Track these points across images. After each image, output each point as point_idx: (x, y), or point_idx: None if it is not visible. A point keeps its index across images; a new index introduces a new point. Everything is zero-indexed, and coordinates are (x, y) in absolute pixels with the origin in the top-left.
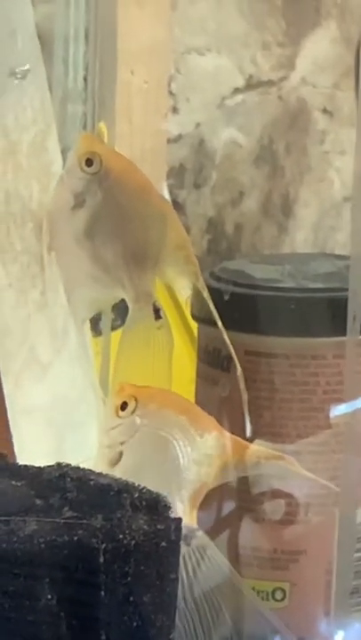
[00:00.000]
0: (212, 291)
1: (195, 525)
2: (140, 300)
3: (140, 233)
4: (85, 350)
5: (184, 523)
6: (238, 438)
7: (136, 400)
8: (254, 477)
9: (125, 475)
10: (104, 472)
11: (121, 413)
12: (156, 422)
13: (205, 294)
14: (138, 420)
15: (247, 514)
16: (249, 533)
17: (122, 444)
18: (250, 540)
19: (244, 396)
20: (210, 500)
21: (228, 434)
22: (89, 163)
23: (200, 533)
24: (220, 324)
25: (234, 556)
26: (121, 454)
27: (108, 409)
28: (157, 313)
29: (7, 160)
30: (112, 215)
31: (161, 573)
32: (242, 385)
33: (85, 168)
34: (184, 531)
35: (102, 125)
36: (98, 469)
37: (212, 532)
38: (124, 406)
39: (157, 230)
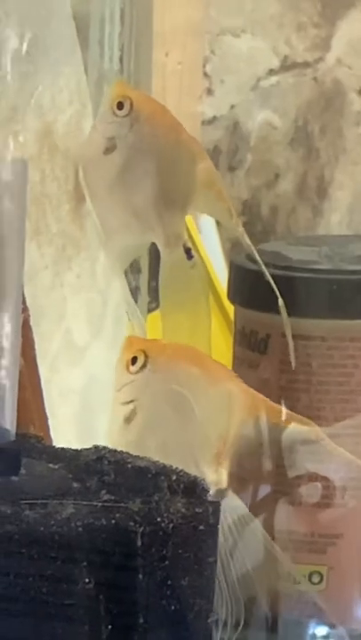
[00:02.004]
0: (248, 273)
1: (224, 485)
2: (170, 243)
3: (169, 174)
4: (129, 300)
5: (211, 480)
6: (259, 395)
7: (146, 354)
8: (290, 460)
9: (141, 432)
10: (119, 430)
11: (131, 369)
12: (168, 376)
13: (240, 230)
14: (149, 375)
15: (283, 497)
16: (285, 517)
17: (135, 400)
18: (286, 523)
19: (288, 329)
20: (246, 483)
21: (250, 389)
22: (120, 106)
23: (230, 493)
24: (258, 257)
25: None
26: (135, 411)
27: (119, 365)
28: (188, 253)
29: (43, 141)
30: (143, 157)
31: (199, 557)
32: (284, 316)
33: (117, 111)
34: (213, 490)
35: None
36: (113, 428)
37: None
38: (134, 361)
39: (187, 170)
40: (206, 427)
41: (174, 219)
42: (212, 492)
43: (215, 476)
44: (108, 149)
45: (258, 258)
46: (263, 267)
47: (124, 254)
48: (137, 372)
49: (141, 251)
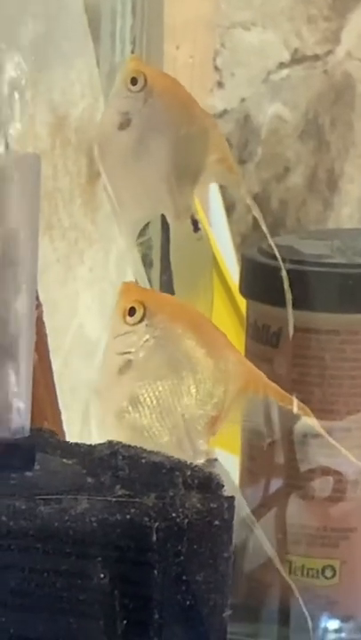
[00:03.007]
0: (260, 266)
1: (213, 456)
2: (180, 215)
3: (182, 148)
4: (141, 271)
5: (203, 450)
6: (255, 368)
7: (144, 307)
8: (302, 454)
9: (134, 386)
10: (111, 379)
11: (129, 320)
12: (165, 335)
13: (249, 201)
14: (146, 330)
15: (296, 491)
16: (298, 511)
17: (130, 352)
18: (298, 517)
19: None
20: (258, 477)
21: (247, 361)
22: (134, 82)
23: (218, 464)
24: (268, 235)
25: (282, 533)
26: (129, 363)
27: (116, 312)
28: (195, 225)
29: (55, 135)
30: (156, 132)
31: (214, 552)
32: (286, 286)
33: (130, 87)
34: (203, 459)
35: None
36: (105, 376)
37: (261, 510)
38: (131, 312)
39: (200, 145)
40: (201, 394)
41: (185, 192)
42: (202, 460)
43: (206, 447)
44: (123, 124)
45: (265, 228)
46: (265, 228)
47: (136, 227)
48: (134, 325)
49: (151, 219)
